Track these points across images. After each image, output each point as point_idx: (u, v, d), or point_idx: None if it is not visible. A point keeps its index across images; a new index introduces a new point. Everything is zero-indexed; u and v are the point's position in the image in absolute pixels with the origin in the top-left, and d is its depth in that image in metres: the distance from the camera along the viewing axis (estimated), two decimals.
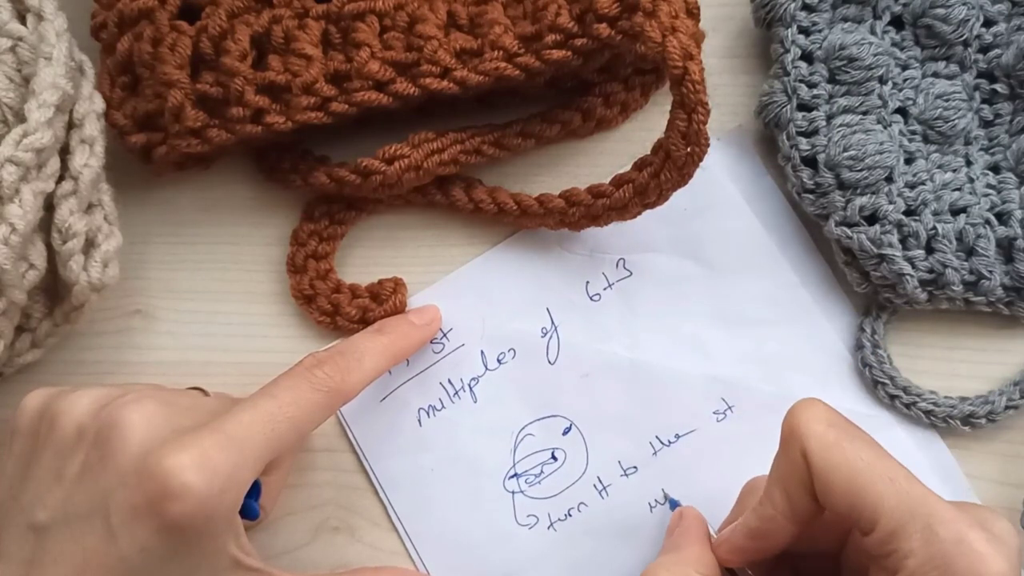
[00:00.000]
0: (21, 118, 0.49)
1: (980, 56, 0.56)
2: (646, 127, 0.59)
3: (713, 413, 0.56)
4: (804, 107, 0.55)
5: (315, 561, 0.56)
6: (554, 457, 0.56)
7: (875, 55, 0.54)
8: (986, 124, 0.56)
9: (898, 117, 0.55)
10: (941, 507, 0.41)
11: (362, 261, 0.59)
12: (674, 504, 0.55)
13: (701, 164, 0.49)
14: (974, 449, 0.55)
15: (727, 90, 0.59)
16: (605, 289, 0.58)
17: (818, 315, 0.57)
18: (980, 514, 0.42)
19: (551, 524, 0.56)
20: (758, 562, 0.49)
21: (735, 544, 0.48)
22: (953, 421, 0.54)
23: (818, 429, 0.43)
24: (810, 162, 0.55)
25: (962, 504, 0.43)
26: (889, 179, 0.54)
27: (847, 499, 0.42)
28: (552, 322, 0.57)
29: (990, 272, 0.53)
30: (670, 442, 0.56)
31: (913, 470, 0.53)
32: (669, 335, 0.57)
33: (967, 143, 0.56)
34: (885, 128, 0.54)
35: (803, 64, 0.55)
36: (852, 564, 0.47)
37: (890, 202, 0.54)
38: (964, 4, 0.55)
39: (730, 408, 0.56)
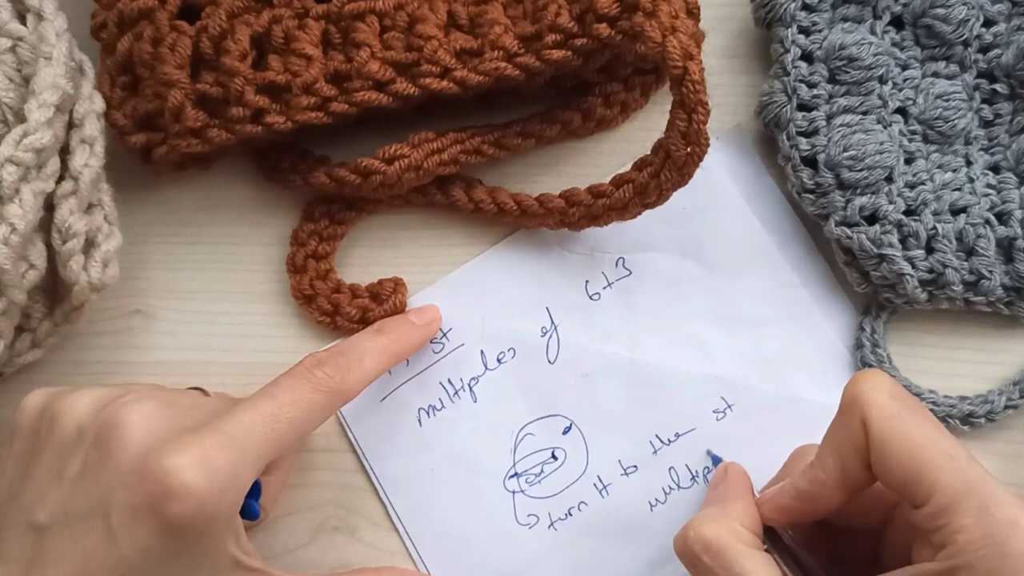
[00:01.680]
0: (21, 118, 0.49)
1: (980, 56, 0.56)
2: (646, 127, 0.59)
3: (713, 412, 0.57)
4: (804, 107, 0.55)
5: (315, 561, 0.56)
6: (554, 456, 0.56)
7: (875, 55, 0.54)
8: (986, 124, 0.56)
9: (898, 117, 0.55)
10: (999, 490, 0.41)
11: (362, 261, 0.59)
12: (716, 460, 0.55)
13: (701, 164, 0.49)
14: (973, 449, 0.54)
15: (727, 90, 0.59)
16: (605, 288, 0.58)
17: (818, 314, 0.57)
18: None
19: (551, 524, 0.56)
20: (797, 530, 0.49)
21: (780, 503, 0.48)
22: (952, 420, 0.54)
23: (880, 399, 0.43)
24: (810, 162, 0.55)
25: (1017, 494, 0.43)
26: (889, 179, 0.54)
27: (903, 470, 0.42)
28: (552, 321, 0.57)
29: (990, 272, 0.53)
30: (670, 441, 0.56)
31: None
32: (669, 334, 0.57)
33: (967, 143, 0.56)
34: (885, 128, 0.54)
35: (803, 64, 0.55)
36: (894, 541, 0.47)
37: (890, 202, 0.54)
38: (964, 4, 0.55)
39: (730, 407, 0.56)
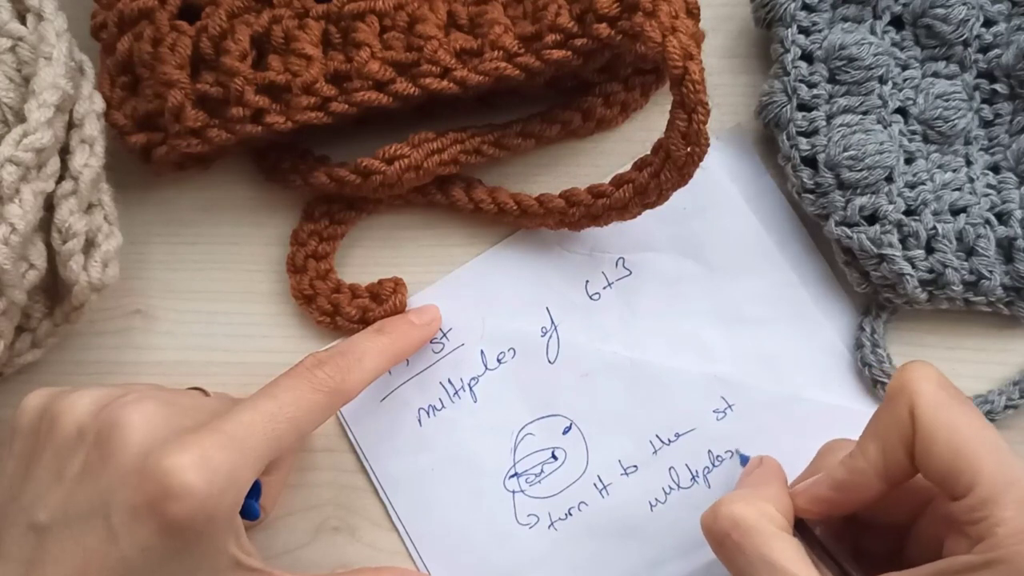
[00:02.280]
0: (21, 118, 0.49)
1: (980, 56, 0.56)
2: (646, 127, 0.59)
3: (713, 412, 0.57)
4: (804, 107, 0.55)
5: (315, 561, 0.56)
6: (554, 456, 0.56)
7: (875, 55, 0.54)
8: (986, 124, 0.56)
9: (898, 117, 0.55)
10: None
11: (362, 261, 0.59)
12: (745, 459, 0.55)
13: (701, 164, 0.49)
14: None
15: (727, 90, 0.59)
16: (605, 288, 0.58)
17: (817, 314, 0.57)
18: None
19: (551, 523, 0.56)
20: (824, 525, 0.48)
21: (815, 495, 0.47)
22: None
23: (929, 388, 0.43)
24: (810, 162, 0.55)
25: None
26: (889, 179, 0.54)
27: (946, 461, 0.42)
28: (552, 321, 0.57)
29: (990, 272, 0.53)
30: (670, 441, 0.56)
31: None
32: (669, 334, 0.57)
33: (967, 143, 0.56)
34: (885, 128, 0.54)
35: (803, 64, 0.55)
36: (924, 536, 0.47)
37: (890, 202, 0.54)
38: (964, 4, 0.55)
39: (730, 407, 0.56)
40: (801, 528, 0.48)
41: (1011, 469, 0.41)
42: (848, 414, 0.56)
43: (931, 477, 0.43)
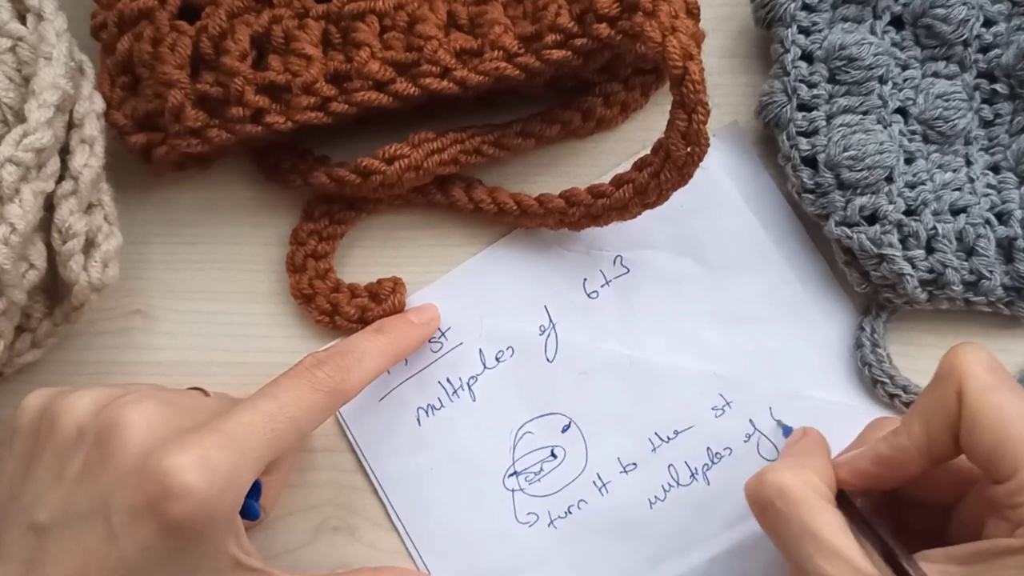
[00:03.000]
0: (21, 118, 0.49)
1: (980, 56, 0.56)
2: (646, 127, 0.59)
3: (712, 409, 0.57)
4: (804, 107, 0.55)
5: (315, 561, 0.56)
6: (553, 455, 0.56)
7: (875, 55, 0.54)
8: (986, 124, 0.56)
9: (898, 117, 0.55)
10: None
11: (362, 261, 0.59)
12: (787, 430, 0.55)
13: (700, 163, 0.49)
14: None
15: (727, 90, 0.59)
16: (603, 286, 0.58)
17: (816, 312, 0.57)
18: None
19: (551, 522, 0.56)
20: (866, 498, 0.48)
21: (857, 467, 0.47)
22: None
23: (978, 371, 0.43)
24: (810, 162, 0.55)
25: None
26: (889, 179, 0.54)
27: (991, 444, 0.42)
28: (550, 320, 0.57)
29: (990, 272, 0.53)
30: (669, 439, 0.56)
31: None
32: (667, 332, 0.57)
33: (967, 143, 0.56)
34: (885, 128, 0.54)
35: (803, 64, 0.55)
36: (966, 516, 0.47)
37: (890, 202, 0.54)
38: (964, 4, 0.55)
39: (728, 404, 0.56)
40: (843, 500, 0.47)
41: None
42: (847, 411, 0.56)
43: (975, 459, 0.43)
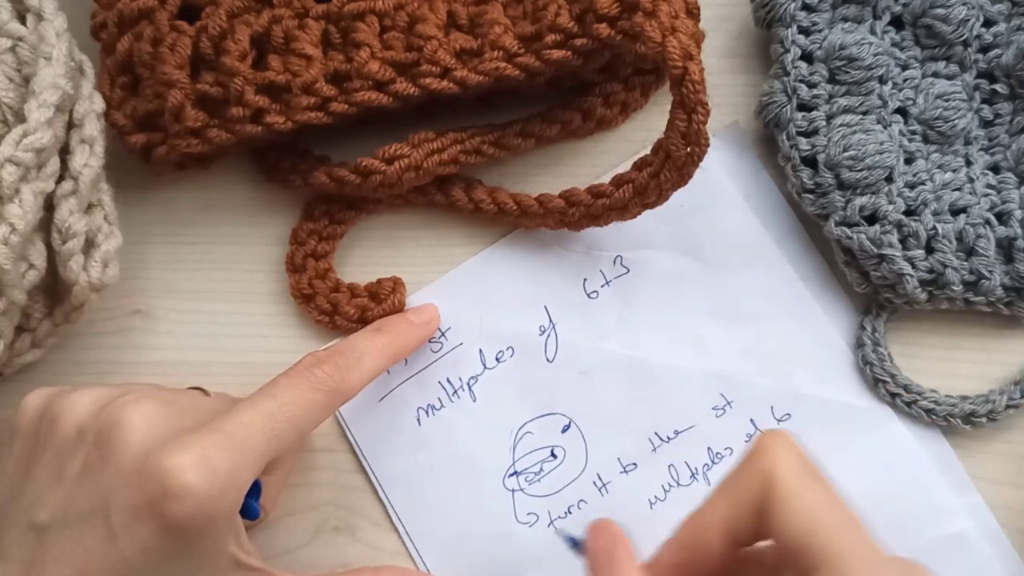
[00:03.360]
0: (21, 118, 0.49)
1: (980, 56, 0.56)
2: (646, 127, 0.59)
3: (712, 409, 0.57)
4: (804, 107, 0.55)
5: (315, 561, 0.56)
6: (553, 455, 0.56)
7: (875, 55, 0.54)
8: (986, 124, 0.56)
9: (898, 117, 0.55)
10: (887, 562, 0.41)
11: (362, 261, 0.59)
12: (571, 540, 0.52)
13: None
14: (974, 449, 0.55)
15: (727, 90, 0.59)
16: (603, 286, 0.58)
17: (816, 310, 0.57)
18: (915, 572, 0.43)
19: (551, 522, 0.56)
20: None
21: (660, 571, 0.47)
22: (954, 420, 0.54)
23: (790, 459, 0.43)
24: (810, 162, 0.55)
25: (902, 564, 0.43)
26: (889, 179, 0.54)
27: (799, 536, 0.41)
28: (550, 320, 0.57)
29: (990, 272, 0.53)
30: (669, 439, 0.56)
31: (914, 464, 0.54)
32: (667, 331, 0.57)
33: (967, 143, 0.56)
34: (885, 128, 0.54)
35: (803, 64, 0.55)
36: None
37: (890, 202, 0.54)
38: (964, 4, 0.55)
39: (729, 404, 0.56)
40: None
41: (860, 553, 0.41)
42: (848, 410, 0.56)
43: (784, 548, 0.42)
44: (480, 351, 0.57)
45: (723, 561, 0.45)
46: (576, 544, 0.50)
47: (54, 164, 0.49)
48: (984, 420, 0.54)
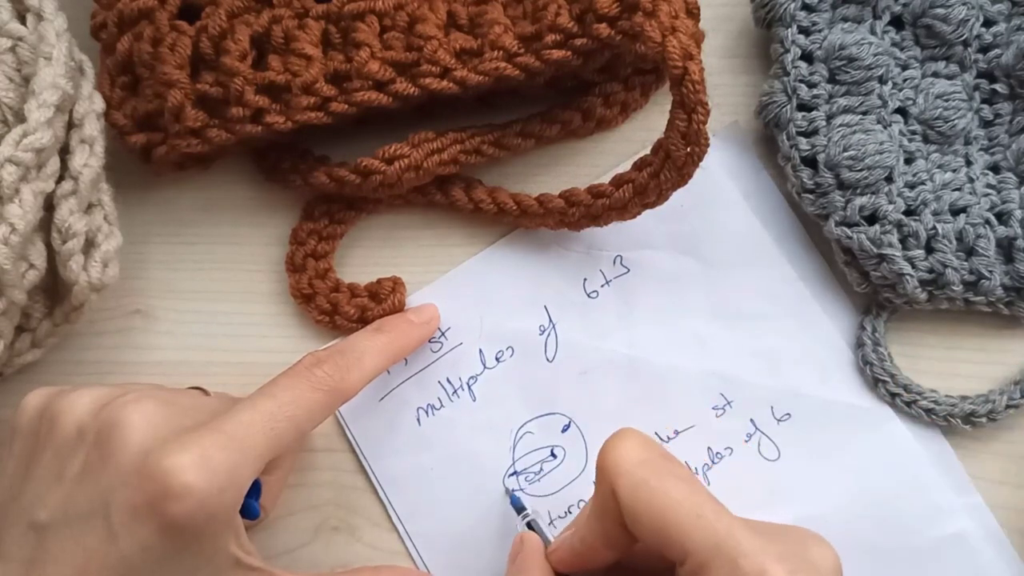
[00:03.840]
0: (21, 118, 0.49)
1: (980, 56, 0.56)
2: (646, 127, 0.59)
3: (712, 408, 0.57)
4: (804, 107, 0.55)
5: (315, 561, 0.56)
6: (553, 455, 0.56)
7: (875, 55, 0.54)
8: (986, 124, 0.56)
9: (898, 117, 0.55)
10: (746, 540, 0.41)
11: (362, 261, 0.59)
12: (515, 501, 0.55)
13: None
14: (974, 449, 0.55)
15: (727, 90, 0.59)
16: (603, 286, 0.58)
17: (817, 309, 0.57)
18: (794, 539, 0.43)
19: (551, 521, 0.56)
20: (593, 572, 0.49)
21: (562, 557, 0.48)
22: (954, 420, 0.54)
23: (626, 467, 0.43)
24: (810, 162, 0.55)
25: (775, 531, 0.43)
26: (889, 179, 0.54)
27: (655, 535, 0.42)
28: (550, 320, 0.57)
29: (990, 272, 0.53)
30: (669, 438, 0.56)
31: (914, 464, 0.53)
32: (667, 331, 0.57)
33: (967, 143, 0.56)
34: (885, 128, 0.54)
35: (803, 64, 0.55)
36: None
37: (890, 202, 0.54)
38: (964, 4, 0.55)
39: (729, 403, 0.56)
40: None
41: (717, 533, 0.41)
42: (848, 409, 0.56)
43: (651, 547, 0.43)
44: (480, 351, 0.57)
45: (622, 557, 0.46)
46: (517, 507, 0.54)
47: (54, 164, 0.49)
48: (984, 420, 0.54)
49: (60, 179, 0.50)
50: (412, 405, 0.57)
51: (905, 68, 0.56)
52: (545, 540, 0.51)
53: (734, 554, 0.40)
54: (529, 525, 0.53)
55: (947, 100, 0.55)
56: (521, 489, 0.56)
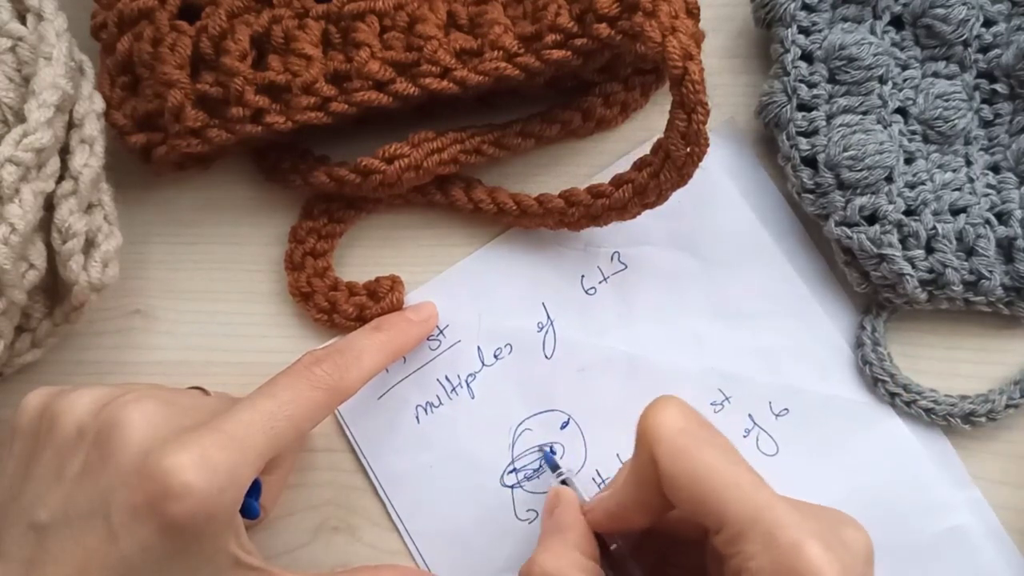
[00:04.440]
0: (21, 118, 0.49)
1: (980, 56, 0.56)
2: (646, 127, 0.59)
3: (711, 405, 0.57)
4: (804, 107, 0.55)
5: (315, 561, 0.56)
6: (552, 452, 0.56)
7: (875, 55, 0.54)
8: (986, 124, 0.56)
9: (898, 117, 0.55)
10: (784, 513, 0.41)
11: (361, 260, 0.59)
12: (550, 460, 0.56)
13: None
14: (974, 448, 0.55)
15: (727, 90, 0.59)
16: (600, 283, 0.58)
17: (816, 309, 0.57)
18: (830, 519, 0.43)
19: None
20: (627, 535, 0.50)
21: (597, 518, 0.49)
22: (954, 419, 0.54)
23: (667, 434, 0.43)
24: (810, 162, 0.55)
25: (812, 510, 0.43)
26: (889, 179, 0.54)
27: (692, 503, 0.42)
28: (548, 317, 0.57)
29: (990, 272, 0.53)
30: None
31: (913, 460, 0.53)
32: (665, 328, 0.57)
33: (967, 143, 0.56)
34: (885, 128, 0.54)
35: (803, 64, 0.55)
36: (714, 554, 0.47)
37: (890, 202, 0.54)
38: (964, 4, 0.55)
39: (727, 399, 0.57)
40: (603, 543, 0.49)
41: (756, 504, 0.41)
42: (846, 405, 0.56)
43: (686, 515, 0.44)
44: (478, 348, 0.57)
45: (656, 523, 0.47)
46: (551, 465, 0.54)
47: (54, 164, 0.49)
48: (984, 420, 0.55)
49: (60, 179, 0.50)
50: (411, 403, 0.57)
51: (905, 68, 0.56)
52: (580, 500, 0.51)
53: (771, 526, 0.40)
54: (564, 484, 0.53)
55: (947, 100, 0.55)
56: (520, 486, 0.56)
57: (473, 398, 0.57)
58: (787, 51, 0.55)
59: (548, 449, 0.56)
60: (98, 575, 0.42)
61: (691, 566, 0.49)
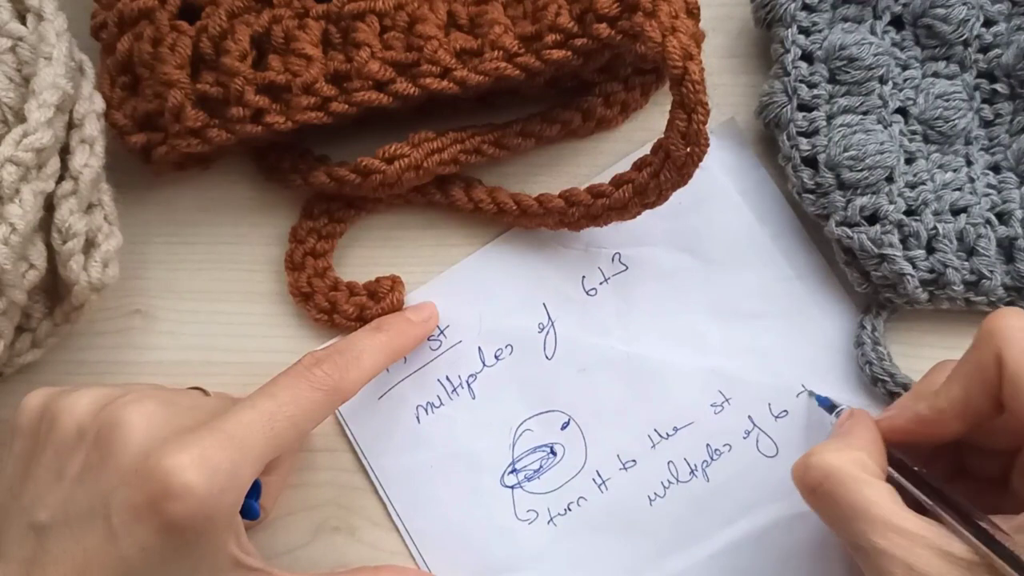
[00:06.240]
0: (21, 118, 0.49)
1: (980, 56, 0.56)
2: (646, 127, 0.59)
3: (711, 405, 0.57)
4: (804, 107, 0.55)
5: (315, 561, 0.56)
6: (553, 452, 0.56)
7: (875, 55, 0.54)
8: (986, 124, 0.56)
9: (898, 117, 0.55)
10: None
11: (361, 260, 0.59)
12: (822, 400, 0.55)
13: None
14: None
15: (727, 90, 0.59)
16: (601, 283, 0.58)
17: (814, 307, 0.57)
18: None
19: (551, 519, 0.56)
20: (920, 446, 0.48)
21: (897, 425, 0.48)
22: None
23: (1018, 336, 0.43)
24: (810, 162, 0.55)
25: None
26: (889, 179, 0.54)
27: None
28: (549, 317, 0.57)
29: (991, 272, 0.53)
30: (668, 435, 0.56)
31: None
32: (666, 328, 0.57)
33: (967, 143, 0.56)
34: (885, 128, 0.54)
35: (803, 64, 0.55)
36: None
37: (890, 202, 0.54)
38: (964, 4, 0.55)
39: (727, 400, 0.57)
40: (903, 466, 0.47)
41: None
42: (846, 405, 0.56)
43: (1011, 424, 0.43)
44: (479, 349, 0.57)
45: (959, 435, 0.46)
46: (828, 405, 0.53)
47: (54, 164, 0.49)
48: None
49: (60, 179, 0.50)
50: (411, 403, 0.57)
51: (905, 68, 0.56)
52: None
53: None
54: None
55: (947, 100, 0.55)
56: (521, 486, 0.56)
57: (474, 398, 0.57)
58: (787, 51, 0.55)
59: (818, 395, 0.55)
60: (98, 575, 0.42)
61: (989, 476, 0.48)
